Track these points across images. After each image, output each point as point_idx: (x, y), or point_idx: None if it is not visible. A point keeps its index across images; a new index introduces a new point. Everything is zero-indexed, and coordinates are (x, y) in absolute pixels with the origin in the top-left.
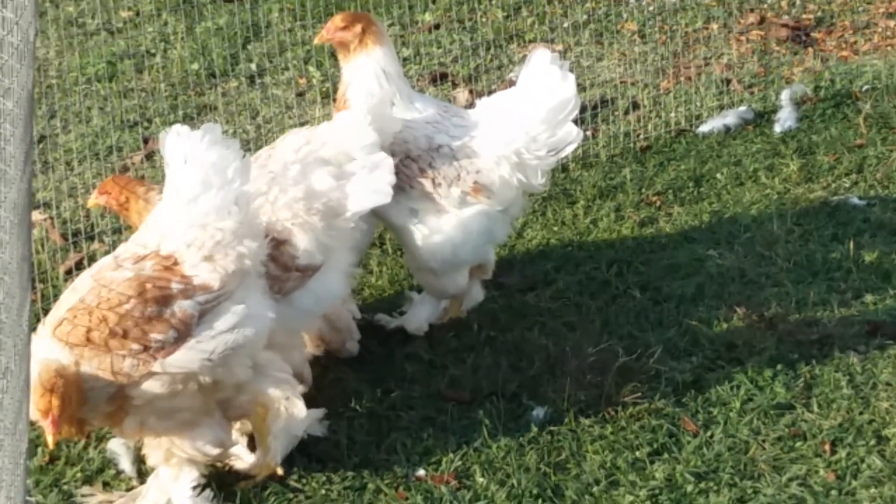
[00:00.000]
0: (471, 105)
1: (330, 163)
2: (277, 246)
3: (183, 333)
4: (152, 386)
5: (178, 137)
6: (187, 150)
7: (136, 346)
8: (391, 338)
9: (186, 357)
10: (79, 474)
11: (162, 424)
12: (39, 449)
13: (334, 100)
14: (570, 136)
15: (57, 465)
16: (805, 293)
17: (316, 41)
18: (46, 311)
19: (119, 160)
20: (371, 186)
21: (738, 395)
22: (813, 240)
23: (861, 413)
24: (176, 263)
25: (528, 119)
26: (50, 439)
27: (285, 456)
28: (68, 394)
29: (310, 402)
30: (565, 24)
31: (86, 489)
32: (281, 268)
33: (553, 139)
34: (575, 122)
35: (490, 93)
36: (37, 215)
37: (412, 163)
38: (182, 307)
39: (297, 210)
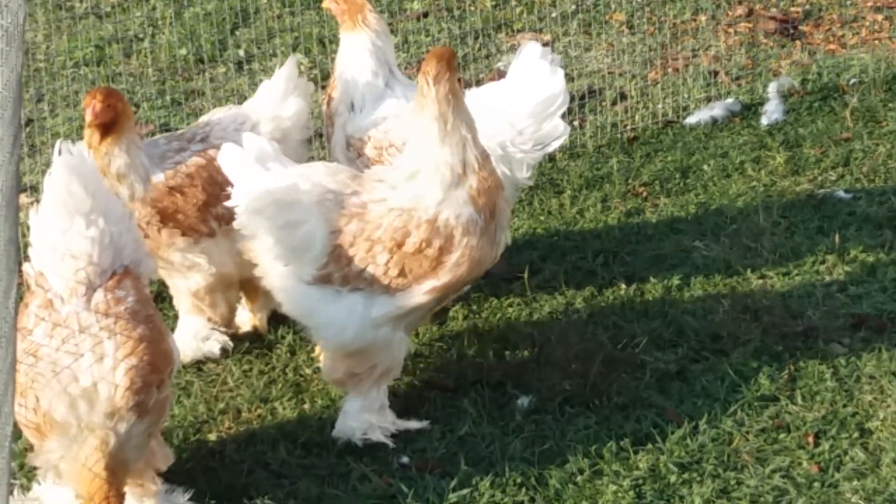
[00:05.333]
0: None
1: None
2: None
3: None
4: None
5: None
6: None
7: None
8: None
9: None
10: None
11: None
12: None
13: (323, 87)
14: (557, 131)
15: None
16: (790, 285)
17: (324, 4)
18: None
19: None
20: None
21: (722, 387)
22: (798, 232)
23: (845, 406)
24: None
25: (514, 112)
26: None
27: None
28: None
29: (296, 387)
30: (554, 14)
31: None
32: None
33: (539, 133)
34: (563, 117)
35: (478, 82)
36: (23, 199)
37: (396, 151)
38: None
39: None
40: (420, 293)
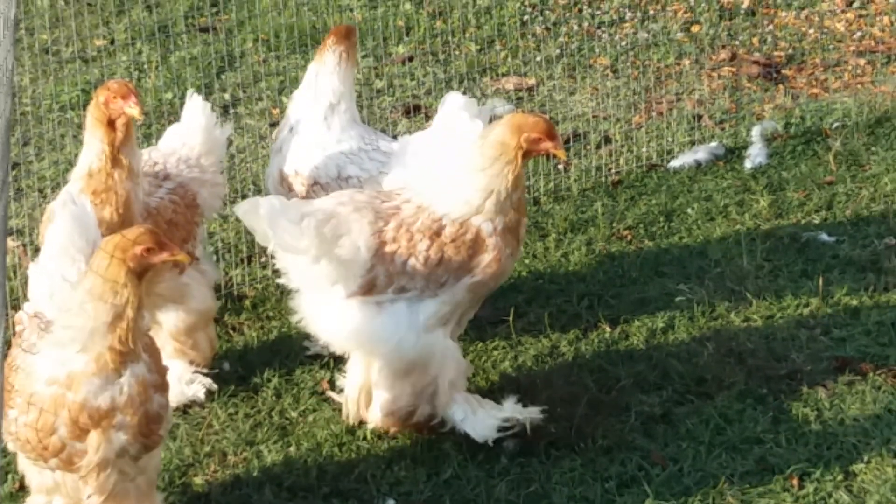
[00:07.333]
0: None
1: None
2: None
3: None
4: None
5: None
6: None
7: None
8: None
9: None
10: None
11: None
12: (10, 476)
13: None
14: None
15: (27, 492)
16: (774, 328)
17: None
18: None
19: None
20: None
21: (707, 429)
22: (782, 275)
23: (829, 448)
24: None
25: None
26: None
27: None
28: None
29: (282, 430)
30: (538, 58)
31: None
32: None
33: None
34: None
35: None
36: (9, 242)
37: (321, 189)
38: None
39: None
40: (460, 290)
